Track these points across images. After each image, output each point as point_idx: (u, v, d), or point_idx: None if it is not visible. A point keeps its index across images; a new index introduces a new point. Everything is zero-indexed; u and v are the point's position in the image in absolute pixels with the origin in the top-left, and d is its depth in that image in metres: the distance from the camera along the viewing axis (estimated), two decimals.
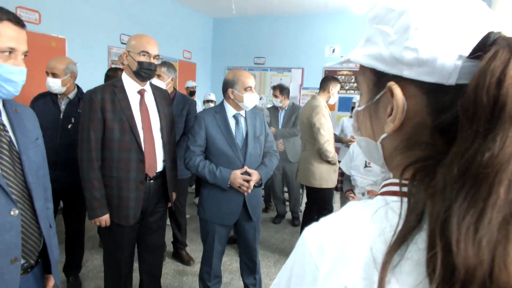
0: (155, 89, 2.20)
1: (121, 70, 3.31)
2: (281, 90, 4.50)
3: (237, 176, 2.22)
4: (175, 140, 2.35)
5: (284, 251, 3.79)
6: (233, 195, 2.29)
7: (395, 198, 0.48)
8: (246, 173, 2.26)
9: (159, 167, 2.15)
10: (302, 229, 3.60)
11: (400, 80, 0.47)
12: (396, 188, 0.49)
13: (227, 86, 2.30)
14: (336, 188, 4.37)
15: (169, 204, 2.32)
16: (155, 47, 2.04)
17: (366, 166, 2.33)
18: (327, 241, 0.48)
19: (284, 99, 4.50)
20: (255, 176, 2.26)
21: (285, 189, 4.86)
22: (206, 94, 5.41)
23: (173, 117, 2.33)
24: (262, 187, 2.44)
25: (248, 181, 2.24)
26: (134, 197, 2.04)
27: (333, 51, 7.14)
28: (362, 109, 0.56)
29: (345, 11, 6.71)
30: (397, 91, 0.47)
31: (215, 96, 5.46)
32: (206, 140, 2.26)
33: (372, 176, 2.30)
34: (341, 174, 4.13)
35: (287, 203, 4.88)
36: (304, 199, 4.59)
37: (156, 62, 2.05)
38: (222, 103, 2.37)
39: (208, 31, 7.83)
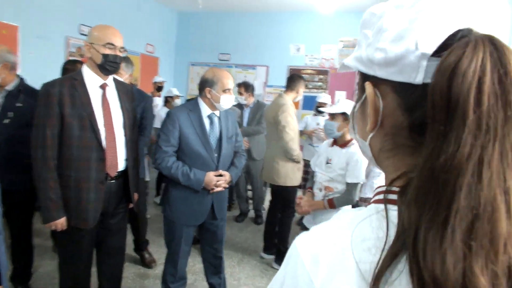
0: (118, 83, 2.09)
1: (80, 62, 3.13)
2: (246, 87, 4.46)
3: (212, 178, 2.19)
4: (137, 138, 2.25)
5: (247, 250, 3.77)
6: (203, 196, 2.25)
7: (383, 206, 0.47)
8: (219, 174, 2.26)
9: (121, 166, 2.04)
10: (266, 227, 3.59)
11: (377, 80, 0.48)
12: (390, 196, 0.47)
13: (205, 84, 2.24)
14: (300, 186, 4.42)
15: (131, 205, 2.23)
16: (120, 39, 1.94)
17: (327, 162, 2.36)
18: (322, 252, 0.46)
19: (249, 96, 4.47)
20: (227, 177, 2.26)
21: (249, 187, 4.84)
22: (168, 90, 5.25)
23: (135, 113, 2.23)
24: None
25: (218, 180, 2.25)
26: (94, 198, 1.92)
27: (298, 49, 7.20)
28: (356, 110, 0.57)
29: (311, 10, 6.78)
30: (369, 89, 0.49)
31: (178, 91, 5.31)
32: (180, 140, 2.19)
33: (330, 172, 2.34)
34: (306, 172, 4.19)
35: (250, 201, 4.87)
36: (267, 197, 4.60)
37: (121, 54, 1.95)
38: (196, 101, 2.31)
39: (172, 25, 7.64)
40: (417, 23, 0.44)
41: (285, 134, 3.28)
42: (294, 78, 3.56)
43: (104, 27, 1.95)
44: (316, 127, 4.49)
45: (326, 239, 0.48)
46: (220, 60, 7.52)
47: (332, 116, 2.34)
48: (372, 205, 0.49)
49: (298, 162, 3.44)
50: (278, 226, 3.51)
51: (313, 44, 7.10)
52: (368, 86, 0.49)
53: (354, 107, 0.58)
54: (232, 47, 7.46)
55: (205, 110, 2.26)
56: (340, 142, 2.36)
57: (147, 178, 3.95)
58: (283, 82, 7.41)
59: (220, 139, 2.27)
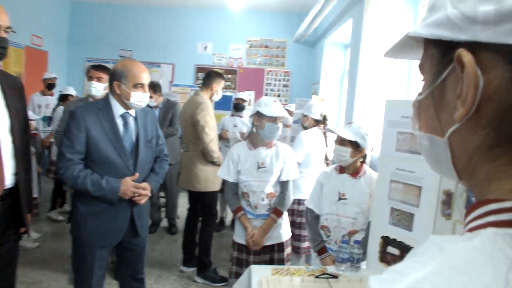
0: (3, 75, 1.62)
1: None
2: (154, 88, 4.01)
3: (128, 184, 1.84)
4: (29, 145, 1.80)
5: (165, 265, 3.42)
6: (119, 210, 1.90)
7: None
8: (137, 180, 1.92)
9: (9, 182, 1.59)
10: (185, 237, 3.27)
11: (474, 48, 0.35)
12: None
13: (113, 77, 1.89)
14: (221, 191, 4.19)
15: (23, 229, 1.77)
16: (5, 16, 1.50)
17: (259, 167, 2.16)
18: None
19: (158, 97, 4.08)
20: (147, 188, 1.92)
21: (161, 194, 4.46)
22: (64, 87, 4.57)
23: (26, 113, 1.78)
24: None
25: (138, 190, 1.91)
26: None
27: (206, 48, 6.98)
28: (423, 97, 0.43)
29: (220, 8, 6.61)
30: (467, 57, 0.35)
31: (74, 90, 4.65)
32: (87, 145, 1.80)
33: (267, 176, 2.16)
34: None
35: (162, 209, 4.49)
36: (180, 204, 4.29)
37: (7, 36, 1.51)
38: (107, 98, 1.94)
39: (64, 15, 6.76)
40: None
41: (204, 135, 3.04)
42: (210, 74, 3.32)
43: None
44: (233, 129, 4.30)
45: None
46: (120, 56, 6.90)
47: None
48: (490, 231, 0.32)
49: (219, 165, 3.21)
50: (199, 235, 3.24)
51: (221, 43, 6.96)
52: (466, 54, 0.35)
53: (420, 94, 0.44)
54: (134, 42, 6.91)
55: (117, 109, 1.91)
56: (265, 143, 2.20)
57: (35, 195, 3.34)
58: (190, 81, 7.16)
59: (136, 143, 1.94)
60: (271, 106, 2.11)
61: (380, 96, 3.26)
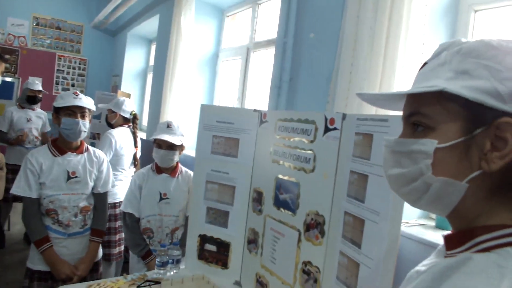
0: None
1: None
2: None
3: None
4: None
5: None
6: None
7: None
8: None
9: None
10: None
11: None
12: None
13: None
14: (7, 199, 3.45)
15: None
16: None
17: (70, 177, 1.84)
18: None
19: None
20: None
21: None
22: None
23: None
24: None
25: None
26: None
27: None
28: (446, 146, 0.52)
29: None
30: None
31: None
32: None
33: (81, 187, 1.87)
34: (12, 180, 3.23)
35: None
36: None
37: None
38: None
39: None
40: None
41: None
42: None
43: None
44: (28, 125, 3.59)
45: None
46: None
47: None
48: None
49: (1, 168, 2.65)
50: None
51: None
52: None
53: (441, 143, 0.53)
54: None
55: None
56: (73, 147, 1.89)
57: None
58: None
59: None
60: (67, 97, 1.82)
61: (187, 95, 3.36)
